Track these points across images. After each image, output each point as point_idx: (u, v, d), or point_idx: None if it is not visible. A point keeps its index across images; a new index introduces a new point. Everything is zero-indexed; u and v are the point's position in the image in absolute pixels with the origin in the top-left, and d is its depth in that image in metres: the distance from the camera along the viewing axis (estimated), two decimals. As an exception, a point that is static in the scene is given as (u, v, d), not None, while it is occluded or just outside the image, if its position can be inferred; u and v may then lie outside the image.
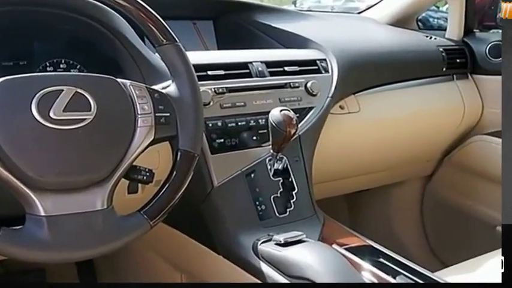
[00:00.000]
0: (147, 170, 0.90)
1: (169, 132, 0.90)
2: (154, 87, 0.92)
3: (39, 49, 1.13)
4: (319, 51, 1.40)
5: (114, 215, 0.85)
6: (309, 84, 1.27)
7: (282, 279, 0.98)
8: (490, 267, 1.15)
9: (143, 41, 1.13)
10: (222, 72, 1.19)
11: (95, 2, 0.93)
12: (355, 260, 1.02)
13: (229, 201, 1.11)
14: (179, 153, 0.90)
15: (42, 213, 0.78)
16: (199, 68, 1.10)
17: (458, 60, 1.70)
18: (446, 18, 1.82)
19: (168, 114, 0.90)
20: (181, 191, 0.90)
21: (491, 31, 1.83)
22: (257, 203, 1.12)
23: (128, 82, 0.89)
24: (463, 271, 1.14)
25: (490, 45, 1.71)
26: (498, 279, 1.10)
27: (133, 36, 1.10)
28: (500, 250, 1.22)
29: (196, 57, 1.13)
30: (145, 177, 0.90)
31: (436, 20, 2.18)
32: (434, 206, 1.88)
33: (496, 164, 1.65)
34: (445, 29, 1.80)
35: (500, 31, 1.79)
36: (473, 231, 1.74)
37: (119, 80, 0.88)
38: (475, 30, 1.79)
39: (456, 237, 1.81)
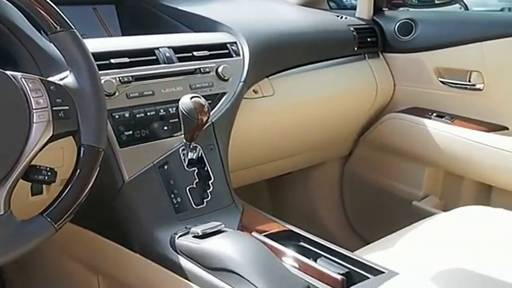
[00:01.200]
0: (48, 169, 0.83)
1: (70, 127, 0.84)
2: (50, 79, 0.85)
3: None
4: (230, 35, 1.36)
5: (13, 220, 0.78)
6: (220, 69, 1.24)
7: (202, 273, 0.95)
8: (408, 241, 1.17)
9: (39, 30, 1.05)
10: (126, 59, 1.13)
11: None
12: (275, 246, 1.01)
13: (143, 196, 1.06)
14: (82, 149, 0.84)
15: None
16: (101, 56, 1.05)
17: (369, 39, 1.72)
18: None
19: (67, 108, 0.83)
20: (87, 189, 0.85)
21: (400, 9, 1.85)
22: (172, 195, 1.08)
23: (19, 75, 0.81)
24: (382, 247, 1.15)
25: (398, 23, 1.73)
26: (417, 252, 1.13)
27: (26, 25, 1.02)
28: (417, 224, 1.25)
29: (97, 44, 1.08)
30: (46, 177, 0.83)
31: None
32: (353, 185, 1.91)
33: (409, 141, 1.70)
34: (355, 9, 1.81)
35: (408, 9, 1.84)
36: (391, 208, 1.78)
37: (8, 72, 0.81)
38: (384, 9, 1.82)
39: (375, 214, 1.84)
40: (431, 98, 1.71)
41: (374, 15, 1.79)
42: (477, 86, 1.62)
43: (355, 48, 1.67)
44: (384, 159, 1.79)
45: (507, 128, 1.60)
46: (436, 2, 1.78)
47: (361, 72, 1.69)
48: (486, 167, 1.56)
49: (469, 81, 1.64)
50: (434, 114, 1.68)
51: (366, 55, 1.72)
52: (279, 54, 1.44)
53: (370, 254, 1.08)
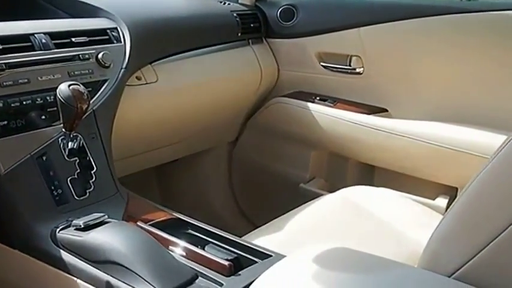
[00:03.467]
0: None
1: None
2: None
3: None
4: (110, 20, 1.34)
5: None
6: (100, 56, 1.22)
7: (86, 266, 0.93)
8: (295, 223, 1.22)
9: None
10: None
11: None
12: (162, 235, 1.01)
13: (21, 189, 1.03)
14: None
15: None
16: (-31, 42, 1.00)
17: (252, 25, 1.75)
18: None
19: None
20: None
21: (281, -5, 1.90)
22: (52, 187, 1.05)
23: None
24: (270, 231, 1.18)
25: (280, 9, 1.78)
26: (304, 234, 1.17)
27: None
28: (303, 206, 1.30)
29: (-34, 31, 1.02)
30: None
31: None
32: (242, 170, 1.94)
33: (294, 124, 1.75)
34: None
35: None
36: (279, 191, 1.83)
37: None
38: (266, -5, 1.85)
39: (263, 198, 1.89)
40: (314, 82, 1.77)
41: (256, 1, 1.82)
42: (357, 70, 1.69)
43: (239, 34, 1.70)
44: (271, 143, 1.83)
45: (386, 110, 1.68)
46: (316, -12, 1.83)
47: (245, 58, 1.72)
48: (368, 148, 1.64)
49: (349, 65, 1.70)
50: (318, 98, 1.74)
51: (250, 41, 1.75)
52: (161, 41, 1.44)
53: (258, 239, 1.11)
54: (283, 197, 1.77)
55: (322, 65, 1.74)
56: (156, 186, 1.98)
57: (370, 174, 1.73)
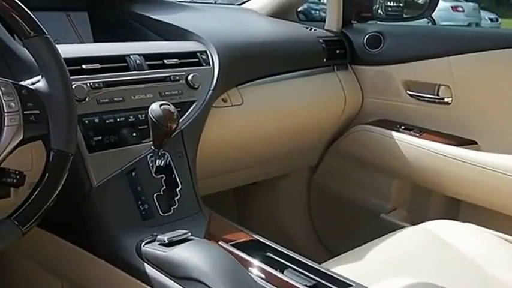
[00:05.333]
0: (16, 172, 0.87)
1: (40, 131, 0.87)
2: (22, 83, 0.89)
3: None
4: (200, 43, 1.41)
5: None
6: (189, 77, 1.28)
7: (168, 281, 0.97)
8: (375, 254, 1.22)
9: (12, 34, 1.08)
10: (98, 66, 1.16)
11: None
12: (242, 256, 1.04)
13: (110, 202, 1.09)
14: (52, 153, 0.88)
15: None
16: (73, 61, 1.08)
17: (337, 51, 1.77)
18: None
19: (38, 112, 0.87)
20: (55, 194, 0.88)
21: (368, 22, 1.92)
22: (139, 202, 1.11)
23: None
24: (349, 260, 1.19)
25: (367, 36, 1.80)
26: (385, 265, 1.17)
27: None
28: (385, 237, 1.30)
29: (70, 50, 1.11)
30: (15, 180, 0.87)
31: (317, 12, 2.27)
32: (320, 196, 1.95)
33: (377, 153, 1.75)
34: (324, 21, 1.87)
35: (377, 22, 1.91)
36: (359, 220, 1.83)
37: None
38: (352, 22, 1.88)
39: (342, 226, 1.89)
40: (399, 110, 1.76)
41: (343, 27, 1.85)
42: (445, 100, 1.68)
43: (324, 60, 1.73)
44: (352, 171, 1.83)
45: (475, 142, 1.65)
46: (404, 16, 1.85)
47: (329, 84, 1.74)
48: (454, 181, 1.61)
49: (438, 94, 1.69)
50: (403, 127, 1.73)
51: (335, 67, 1.78)
52: (248, 64, 1.49)
53: (337, 267, 1.11)
54: (362, 226, 1.77)
55: (409, 94, 1.74)
56: (234, 207, 2.03)
57: (455, 208, 1.69)
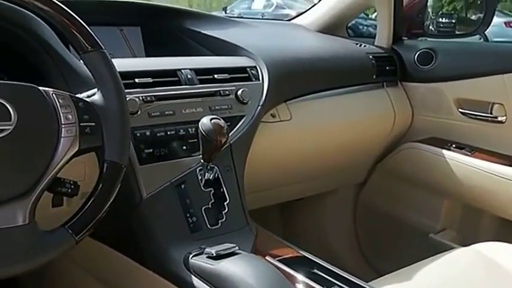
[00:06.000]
0: (71, 182, 0.90)
1: (95, 143, 0.90)
2: (79, 95, 0.92)
3: None
4: (250, 59, 1.43)
5: (36, 230, 0.84)
6: (239, 92, 1.30)
7: (215, 294, 0.99)
8: (424, 275, 1.20)
9: (68, 48, 1.13)
10: (150, 80, 1.20)
11: (16, 6, 0.92)
12: (289, 271, 1.04)
13: (159, 214, 1.11)
14: (105, 165, 0.90)
15: None
16: (126, 75, 1.11)
17: (387, 68, 1.77)
18: (376, 26, 1.91)
19: (93, 124, 0.90)
20: (108, 204, 0.90)
21: (419, 39, 1.91)
22: (188, 214, 1.13)
23: (50, 90, 0.88)
24: (397, 280, 1.18)
25: (418, 52, 1.79)
26: (434, 287, 1.15)
27: (57, 42, 1.09)
28: (434, 257, 1.28)
29: (123, 64, 1.14)
30: (69, 190, 0.90)
31: (365, 27, 2.27)
32: (367, 214, 1.94)
33: (427, 171, 1.73)
34: (374, 37, 1.87)
35: (428, 39, 1.90)
36: (407, 239, 1.81)
37: (41, 88, 0.88)
38: (403, 38, 1.87)
39: (389, 245, 1.87)
40: (450, 128, 1.74)
41: (393, 43, 1.84)
42: (499, 119, 1.65)
43: (374, 76, 1.73)
44: (401, 189, 1.82)
45: (529, 163, 1.62)
46: (457, 32, 1.83)
47: (379, 100, 1.74)
48: (507, 202, 1.58)
49: (491, 113, 1.67)
50: (454, 145, 1.71)
51: (385, 83, 1.77)
52: (297, 80, 1.50)
53: (384, 286, 1.11)
54: (410, 246, 1.75)
55: (460, 112, 1.72)
56: (279, 222, 2.03)
57: (507, 229, 1.66)
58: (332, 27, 1.88)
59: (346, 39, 1.88)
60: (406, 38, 1.88)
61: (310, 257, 1.14)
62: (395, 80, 1.81)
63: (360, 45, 1.80)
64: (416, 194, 1.78)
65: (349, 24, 1.97)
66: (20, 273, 0.83)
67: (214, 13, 2.04)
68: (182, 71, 1.27)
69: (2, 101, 0.83)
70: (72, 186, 0.90)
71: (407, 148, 1.78)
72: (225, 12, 9.14)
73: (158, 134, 1.16)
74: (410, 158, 1.77)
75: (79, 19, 0.93)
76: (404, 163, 1.79)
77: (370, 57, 1.73)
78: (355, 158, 1.80)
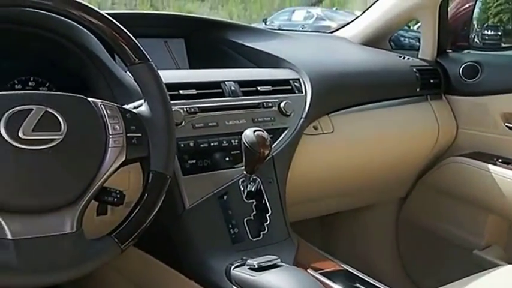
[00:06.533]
0: (117, 191, 0.92)
1: (141, 153, 0.92)
2: (126, 106, 0.94)
3: (7, 66, 1.14)
4: (293, 71, 1.44)
5: (83, 238, 0.86)
6: (282, 104, 1.31)
7: (255, 306, 0.99)
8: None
9: (113, 59, 1.16)
10: (194, 91, 1.22)
11: (67, 20, 0.95)
12: (330, 285, 1.04)
13: (201, 224, 1.13)
14: (151, 175, 0.92)
15: (9, 236, 0.80)
16: (171, 87, 1.13)
17: (432, 81, 1.75)
18: (418, 38, 1.89)
19: (139, 135, 0.92)
20: (153, 214, 0.92)
21: (465, 51, 1.89)
22: (230, 225, 1.14)
23: (99, 101, 0.91)
24: None
25: (463, 65, 1.76)
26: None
27: (104, 54, 1.13)
28: (479, 275, 1.26)
29: (168, 76, 1.16)
30: (115, 199, 0.92)
31: (407, 39, 2.26)
32: (409, 229, 1.91)
33: (471, 187, 1.70)
34: (416, 49, 1.86)
35: (473, 51, 1.88)
36: (450, 255, 1.78)
37: (90, 99, 0.90)
38: (448, 51, 1.86)
39: (432, 261, 1.84)
40: (496, 143, 1.71)
41: (438, 56, 1.82)
42: (548, 134, 1.62)
43: (418, 89, 1.71)
44: (444, 204, 1.79)
45: None
46: (503, 45, 1.81)
47: (422, 114, 1.72)
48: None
49: (540, 128, 1.64)
50: (500, 160, 1.68)
51: (428, 96, 1.76)
52: (340, 93, 1.50)
53: None
54: (453, 262, 1.72)
55: (507, 126, 1.69)
56: (318, 235, 2.03)
57: None
58: (375, 40, 1.88)
59: (389, 52, 1.88)
60: (450, 51, 1.86)
61: (352, 271, 1.14)
62: (439, 93, 1.79)
63: (404, 58, 1.79)
64: (460, 209, 1.75)
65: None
66: (65, 280, 0.85)
67: (254, 25, 2.05)
68: (226, 83, 1.29)
69: (53, 112, 0.85)
70: (118, 196, 0.92)
71: (451, 162, 1.76)
72: (265, 24, 9.19)
73: (202, 145, 1.17)
74: (454, 172, 1.75)
75: (127, 32, 0.95)
76: (448, 178, 1.76)
77: (414, 70, 1.72)
78: (397, 172, 1.78)
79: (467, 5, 1.91)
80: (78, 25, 1.06)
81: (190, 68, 1.55)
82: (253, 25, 1.93)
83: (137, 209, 0.91)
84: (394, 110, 1.65)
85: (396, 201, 1.94)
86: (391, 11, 1.82)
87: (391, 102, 1.65)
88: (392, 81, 1.68)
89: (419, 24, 1.89)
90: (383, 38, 1.90)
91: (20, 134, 0.82)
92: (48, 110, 0.85)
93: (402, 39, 2.15)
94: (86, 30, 1.09)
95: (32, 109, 0.84)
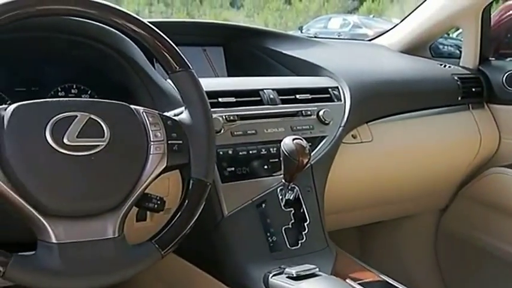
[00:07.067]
0: (158, 198, 0.94)
1: (182, 160, 0.94)
2: (167, 114, 0.96)
3: (51, 74, 1.17)
4: (331, 79, 1.44)
5: (125, 243, 0.88)
6: (321, 113, 1.31)
7: (293, 315, 0.99)
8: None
9: (153, 66, 1.18)
10: (233, 99, 1.23)
11: (110, 28, 0.98)
12: None
13: (240, 232, 1.14)
14: (192, 182, 0.94)
15: (54, 240, 0.82)
16: (210, 95, 1.14)
17: (473, 89, 1.73)
18: (457, 45, 1.87)
19: (180, 142, 0.93)
20: (193, 221, 0.94)
21: (508, 59, 1.86)
22: (268, 234, 1.14)
23: (141, 109, 0.93)
24: None
25: (507, 74, 1.74)
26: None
27: (145, 62, 1.15)
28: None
29: (207, 83, 1.17)
30: (156, 206, 0.93)
31: (446, 47, 2.23)
32: (449, 241, 1.89)
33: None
34: (456, 57, 1.85)
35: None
36: (490, 268, 1.75)
37: (132, 106, 0.92)
38: (490, 59, 1.83)
39: (471, 273, 1.82)
40: None
41: (480, 64, 1.80)
42: None
43: (459, 98, 1.69)
44: (485, 216, 1.77)
45: None
46: (548, 53, 1.78)
47: (464, 123, 1.70)
48: None
49: None
50: (544, 171, 1.66)
51: (470, 105, 1.74)
52: (379, 101, 1.50)
53: None
54: (495, 276, 1.69)
55: (552, 136, 1.67)
56: (356, 244, 2.02)
57: None
58: (415, 48, 1.87)
59: (429, 60, 1.86)
60: (493, 59, 1.84)
61: (391, 282, 1.13)
62: (481, 102, 1.77)
63: (445, 66, 1.77)
64: (502, 221, 1.73)
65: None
66: (109, 284, 0.87)
67: (290, 32, 2.06)
68: (264, 90, 1.30)
69: (96, 118, 0.87)
70: (159, 202, 0.94)
71: (493, 173, 1.73)
72: (301, 32, 9.20)
73: (240, 153, 1.19)
74: (496, 183, 1.72)
75: (169, 40, 0.97)
76: (490, 189, 1.74)
77: (456, 78, 1.70)
78: (437, 182, 1.76)
79: (511, 12, 1.88)
80: (119, 33, 1.08)
81: (229, 76, 1.57)
82: (290, 33, 1.94)
83: (178, 215, 0.92)
84: (434, 119, 1.64)
85: (436, 212, 1.92)
86: (432, 18, 1.81)
87: (431, 111, 1.64)
88: (433, 90, 1.66)
89: (459, 31, 1.87)
90: (423, 46, 1.89)
91: (65, 140, 0.84)
92: (92, 116, 0.87)
93: (441, 46, 2.13)
94: (127, 38, 1.12)
95: (77, 116, 0.86)
